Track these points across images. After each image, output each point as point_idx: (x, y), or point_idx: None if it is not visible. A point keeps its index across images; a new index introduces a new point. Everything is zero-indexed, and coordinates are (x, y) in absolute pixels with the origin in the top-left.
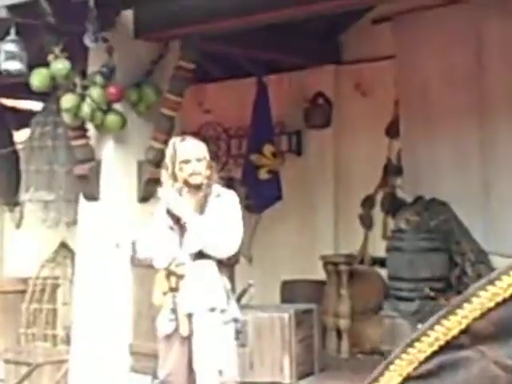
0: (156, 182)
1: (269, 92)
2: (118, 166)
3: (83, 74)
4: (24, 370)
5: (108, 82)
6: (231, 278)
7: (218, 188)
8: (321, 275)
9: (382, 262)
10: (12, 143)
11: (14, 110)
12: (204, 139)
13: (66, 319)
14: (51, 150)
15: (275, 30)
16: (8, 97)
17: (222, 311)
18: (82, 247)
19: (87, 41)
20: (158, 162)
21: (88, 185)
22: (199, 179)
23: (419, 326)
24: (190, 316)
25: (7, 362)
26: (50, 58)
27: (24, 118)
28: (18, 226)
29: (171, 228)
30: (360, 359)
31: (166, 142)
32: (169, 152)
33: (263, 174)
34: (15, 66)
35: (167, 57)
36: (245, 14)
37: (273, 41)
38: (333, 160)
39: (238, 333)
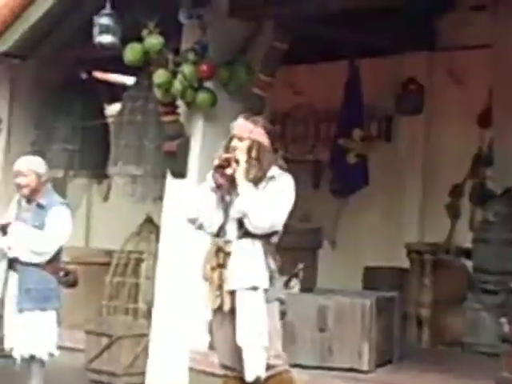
0: None
1: (361, 76)
2: (206, 144)
3: (176, 51)
4: (105, 341)
5: (200, 60)
6: (313, 262)
7: (274, 171)
8: (404, 263)
9: (467, 253)
10: (103, 116)
11: (106, 83)
12: (293, 121)
13: (147, 293)
14: (141, 124)
15: (370, 12)
16: (101, 70)
17: (265, 290)
18: (167, 223)
19: (181, 17)
20: None
21: (176, 161)
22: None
23: (502, 319)
24: (232, 293)
25: (88, 332)
26: (144, 33)
27: (116, 92)
28: (106, 198)
29: (221, 199)
30: (440, 350)
31: None
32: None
33: (351, 159)
34: (109, 39)
35: (260, 36)
36: None
37: (367, 24)
38: (422, 147)
39: (283, 314)
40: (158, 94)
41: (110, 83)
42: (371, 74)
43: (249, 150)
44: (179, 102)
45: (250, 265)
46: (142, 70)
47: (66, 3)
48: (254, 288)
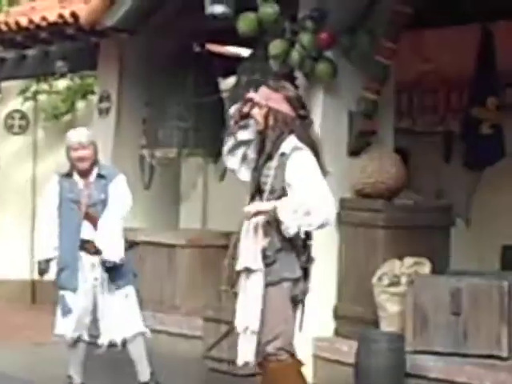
0: (368, 134)
1: (495, 40)
2: (327, 117)
3: (293, 19)
4: (223, 328)
5: (319, 28)
6: (446, 242)
7: (288, 144)
8: None
9: None
10: (217, 91)
11: (220, 56)
12: (421, 91)
13: None
14: None
15: None
16: (214, 42)
17: (262, 272)
18: None
19: None
20: (371, 114)
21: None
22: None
23: None
24: (237, 273)
25: (206, 319)
26: (258, 1)
27: (230, 65)
28: (222, 178)
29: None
30: None
31: (379, 92)
32: None
33: (485, 129)
34: (221, 9)
35: (383, 0)
36: None
37: None
38: None
39: (297, 296)
40: (274, 65)
41: (223, 56)
42: (506, 38)
43: (265, 119)
44: (297, 74)
45: (249, 244)
46: (257, 40)
47: None
48: (247, 270)
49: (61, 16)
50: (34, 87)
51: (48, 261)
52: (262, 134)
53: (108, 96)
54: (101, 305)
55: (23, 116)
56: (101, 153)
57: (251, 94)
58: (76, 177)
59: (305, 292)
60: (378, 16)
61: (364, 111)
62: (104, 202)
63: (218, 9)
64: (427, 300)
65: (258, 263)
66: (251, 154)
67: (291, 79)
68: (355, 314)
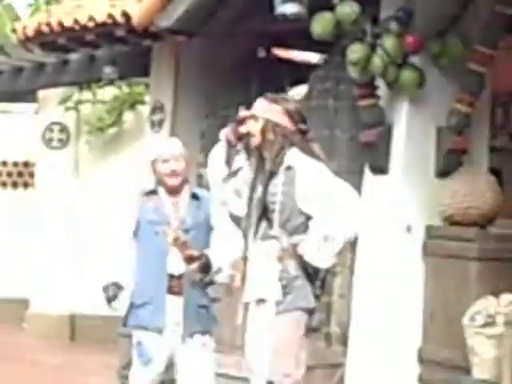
0: (459, 153)
1: None
2: (412, 133)
3: (374, 20)
4: None
5: (405, 30)
6: None
7: (291, 157)
8: None
9: None
10: None
11: (288, 62)
12: None
13: (342, 315)
14: (332, 110)
15: None
16: (283, 46)
17: (277, 302)
18: (365, 229)
19: None
20: (462, 129)
21: (375, 154)
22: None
23: None
24: (246, 305)
25: None
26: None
27: (300, 72)
28: None
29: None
30: None
31: (472, 105)
32: None
33: None
34: (294, 9)
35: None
36: None
37: None
38: None
39: (312, 327)
40: (352, 72)
41: (292, 62)
42: None
43: (263, 132)
44: (379, 82)
45: (261, 273)
46: (332, 44)
47: None
48: (261, 301)
49: (110, 16)
50: (76, 96)
51: (119, 287)
52: (258, 150)
53: (161, 106)
54: (178, 357)
55: (64, 129)
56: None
57: (244, 112)
58: (163, 195)
59: (320, 324)
60: (472, 18)
61: (455, 126)
62: (198, 229)
63: (291, 8)
64: None
65: (274, 293)
66: (239, 183)
67: (372, 89)
68: (443, 359)
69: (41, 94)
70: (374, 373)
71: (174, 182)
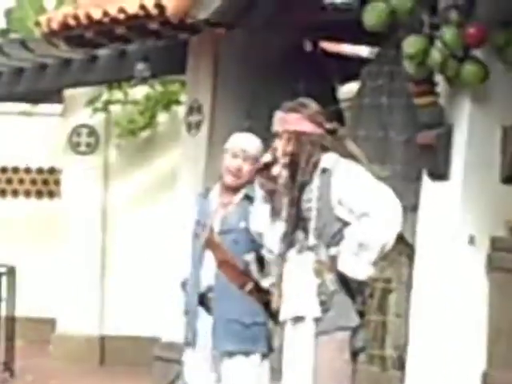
0: None
1: None
2: (475, 133)
3: (433, 9)
4: None
5: (466, 20)
6: None
7: (327, 160)
8: None
9: None
10: (335, 99)
11: (338, 56)
12: None
13: (398, 336)
14: (386, 110)
15: None
16: (332, 40)
17: (316, 320)
18: (423, 241)
19: None
20: None
21: (434, 158)
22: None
23: None
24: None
25: None
26: None
27: (351, 68)
28: None
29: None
30: None
31: None
32: None
33: None
34: None
35: None
36: None
37: None
38: None
39: (357, 348)
40: (409, 67)
41: (342, 56)
42: None
43: (288, 145)
44: (438, 78)
45: (297, 288)
46: (386, 37)
47: None
48: (298, 318)
49: (143, 7)
50: (105, 96)
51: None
52: (291, 166)
53: (199, 107)
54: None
55: (92, 132)
56: (192, 176)
57: (266, 157)
58: (214, 192)
59: (366, 343)
60: None
61: None
62: (244, 234)
63: None
64: None
65: (312, 310)
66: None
67: (430, 85)
68: (510, 383)
69: (67, 93)
70: None
71: (230, 180)
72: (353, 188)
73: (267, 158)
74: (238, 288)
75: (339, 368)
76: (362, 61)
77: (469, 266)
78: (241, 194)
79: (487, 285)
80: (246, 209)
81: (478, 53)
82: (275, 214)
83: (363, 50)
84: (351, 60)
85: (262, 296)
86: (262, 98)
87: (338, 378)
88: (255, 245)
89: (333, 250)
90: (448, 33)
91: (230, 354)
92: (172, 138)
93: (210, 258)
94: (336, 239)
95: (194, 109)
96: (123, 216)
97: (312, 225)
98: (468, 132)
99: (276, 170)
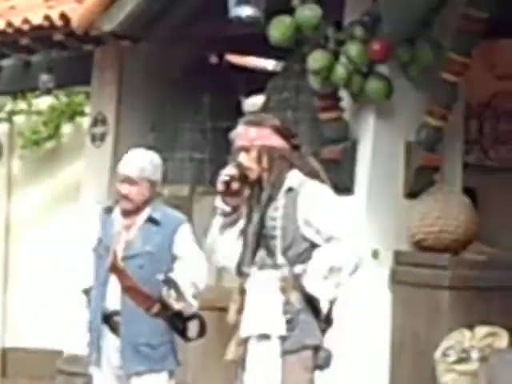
0: (430, 170)
1: None
2: (379, 149)
3: (338, 25)
4: None
5: (371, 36)
6: None
7: (293, 179)
8: None
9: None
10: (240, 113)
11: (243, 69)
12: (495, 115)
13: None
14: (291, 123)
15: None
16: (237, 52)
17: (282, 338)
18: None
19: None
20: (434, 145)
21: (340, 172)
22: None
23: None
24: (245, 341)
25: None
26: (296, 2)
27: (257, 81)
28: None
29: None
30: None
31: (444, 118)
32: None
33: None
34: (250, 11)
35: (449, 3)
36: None
37: None
38: None
39: (319, 365)
40: (313, 82)
41: (248, 69)
42: None
43: (259, 160)
44: (343, 93)
45: (262, 305)
46: (292, 51)
47: None
48: (264, 336)
49: (47, 18)
50: (9, 106)
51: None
52: (258, 183)
53: (103, 119)
54: None
55: None
56: (96, 187)
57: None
58: (116, 214)
59: (328, 361)
60: (444, 22)
61: (425, 141)
62: (149, 257)
63: (246, 11)
64: (505, 381)
65: (278, 328)
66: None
67: (335, 100)
68: None
69: None
70: None
71: (125, 205)
72: (320, 210)
73: (228, 172)
74: (145, 311)
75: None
76: (267, 74)
77: (373, 280)
78: (143, 217)
79: (391, 298)
80: (149, 231)
81: (382, 68)
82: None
83: (269, 64)
84: (257, 73)
85: (168, 313)
86: (167, 110)
87: None
88: (161, 266)
89: (297, 269)
90: (353, 48)
91: (139, 374)
92: (76, 150)
93: (114, 282)
94: (301, 258)
95: (99, 120)
96: (26, 227)
97: (277, 243)
98: (372, 147)
99: (235, 185)
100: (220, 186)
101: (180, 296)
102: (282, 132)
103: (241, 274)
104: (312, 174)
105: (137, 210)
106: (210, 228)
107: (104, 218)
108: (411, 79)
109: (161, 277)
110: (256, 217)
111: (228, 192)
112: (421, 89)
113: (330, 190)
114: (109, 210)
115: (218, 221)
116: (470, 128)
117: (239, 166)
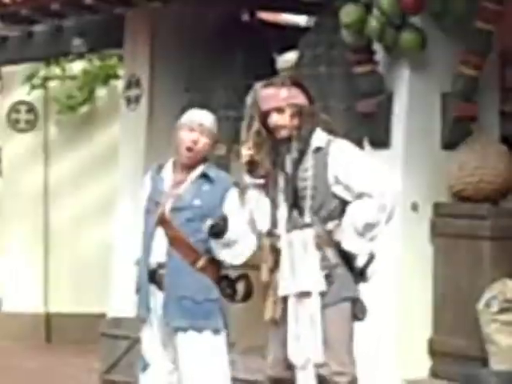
0: (467, 121)
1: None
2: (415, 101)
3: None
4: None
5: None
6: None
7: (319, 138)
8: None
9: None
10: (273, 70)
11: (275, 26)
12: None
13: None
14: (325, 79)
15: None
16: (269, 9)
17: (322, 294)
18: None
19: None
20: (470, 95)
21: (375, 126)
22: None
23: None
24: (284, 300)
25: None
26: None
27: (289, 37)
28: None
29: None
30: None
31: (480, 67)
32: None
33: None
34: None
35: None
36: None
37: None
38: None
39: (357, 316)
40: (346, 36)
41: (280, 26)
42: None
43: (291, 119)
44: (376, 47)
45: (298, 264)
46: (324, 6)
47: None
48: (305, 293)
49: None
50: (43, 72)
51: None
52: (287, 141)
53: (137, 81)
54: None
55: (31, 108)
56: (132, 150)
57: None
58: (168, 170)
59: (364, 311)
60: None
61: (461, 92)
62: (199, 211)
63: None
64: None
65: (318, 284)
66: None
67: (369, 54)
68: (456, 350)
69: (3, 71)
70: (383, 367)
71: (186, 156)
72: (350, 167)
73: (247, 152)
74: (190, 265)
75: (348, 338)
76: (300, 30)
77: (413, 233)
78: (197, 172)
79: (432, 251)
80: (200, 187)
81: (415, 20)
82: (269, 194)
83: (301, 20)
84: (289, 29)
85: (216, 271)
86: (200, 70)
87: (347, 347)
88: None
89: (330, 225)
90: (385, 1)
91: (183, 330)
92: (112, 113)
93: (161, 235)
94: (333, 215)
95: (133, 83)
96: (65, 192)
97: (308, 203)
98: (408, 99)
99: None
100: (245, 166)
101: (226, 245)
102: (307, 91)
103: (272, 235)
104: (332, 130)
105: (192, 166)
106: (246, 204)
107: (154, 175)
108: (444, 30)
109: (210, 221)
110: (282, 181)
111: (253, 168)
112: (455, 39)
113: (356, 148)
114: (159, 168)
115: (253, 194)
116: (506, 76)
117: (276, 127)
